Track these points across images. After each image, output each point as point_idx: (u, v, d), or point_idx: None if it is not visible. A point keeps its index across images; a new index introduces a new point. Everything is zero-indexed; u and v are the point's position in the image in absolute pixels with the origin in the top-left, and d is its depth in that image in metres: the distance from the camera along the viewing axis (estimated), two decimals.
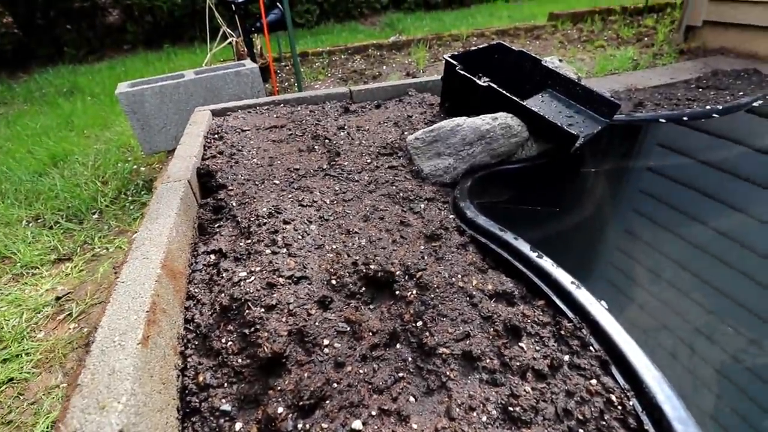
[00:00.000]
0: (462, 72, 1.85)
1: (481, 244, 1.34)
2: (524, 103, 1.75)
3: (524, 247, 1.23)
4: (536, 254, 1.19)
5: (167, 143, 2.92)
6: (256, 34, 4.16)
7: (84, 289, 2.14)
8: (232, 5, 3.72)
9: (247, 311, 1.01)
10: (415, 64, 5.26)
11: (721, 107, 2.32)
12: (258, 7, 3.14)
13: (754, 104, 2.37)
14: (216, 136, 1.99)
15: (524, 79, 2.17)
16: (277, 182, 1.66)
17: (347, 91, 2.54)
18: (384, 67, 5.31)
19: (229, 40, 4.67)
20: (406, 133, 1.98)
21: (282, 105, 2.42)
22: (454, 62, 1.90)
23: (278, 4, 3.64)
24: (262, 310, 1.02)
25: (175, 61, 6.42)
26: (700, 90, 3.32)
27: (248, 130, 2.11)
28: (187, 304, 1.14)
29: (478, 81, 1.80)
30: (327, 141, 1.97)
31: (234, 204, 1.51)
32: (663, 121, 2.24)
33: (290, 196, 1.55)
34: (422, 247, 1.29)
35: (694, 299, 1.24)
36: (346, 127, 2.13)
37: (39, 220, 2.78)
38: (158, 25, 7.40)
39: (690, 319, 1.17)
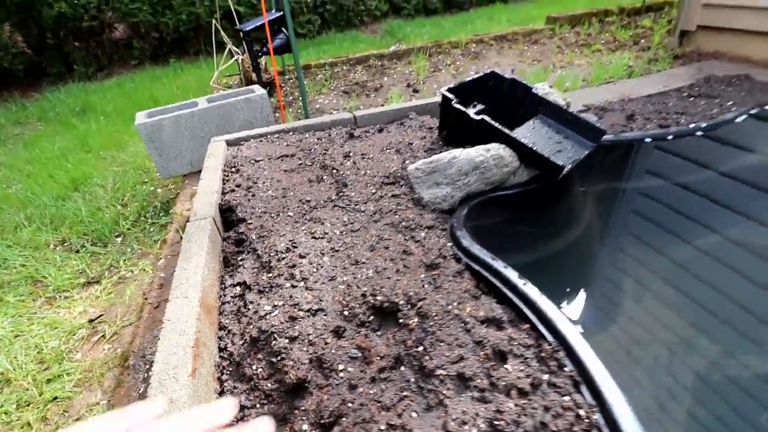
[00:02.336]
0: (457, 106, 2.01)
1: (475, 271, 1.50)
2: (514, 134, 1.91)
3: (512, 275, 1.40)
4: (522, 282, 1.36)
5: (183, 168, 3.11)
6: (262, 57, 4.35)
7: (114, 312, 2.33)
8: (240, 33, 3.91)
9: (273, 342, 1.19)
10: (415, 74, 5.41)
11: (704, 125, 2.46)
12: (264, 33, 3.32)
13: (737, 120, 2.51)
14: (233, 169, 2.17)
15: (517, 104, 2.33)
16: (291, 214, 1.83)
17: (351, 117, 2.71)
18: (385, 78, 5.46)
19: (235, 57, 4.87)
20: (407, 161, 2.15)
21: (291, 133, 2.59)
22: (451, 96, 2.06)
23: (283, 29, 3.82)
24: (287, 340, 1.19)
25: (181, 76, 6.61)
26: (691, 99, 3.44)
27: (261, 159, 2.29)
28: (220, 333, 1.31)
29: (471, 115, 1.96)
30: (334, 171, 2.14)
31: (254, 237, 1.69)
32: (649, 141, 2.39)
33: (303, 228, 1.72)
34: (422, 276, 1.46)
35: (677, 319, 1.39)
36: (351, 154, 2.30)
37: (65, 244, 2.97)
38: (164, 41, 7.60)
39: (669, 339, 1.33)
